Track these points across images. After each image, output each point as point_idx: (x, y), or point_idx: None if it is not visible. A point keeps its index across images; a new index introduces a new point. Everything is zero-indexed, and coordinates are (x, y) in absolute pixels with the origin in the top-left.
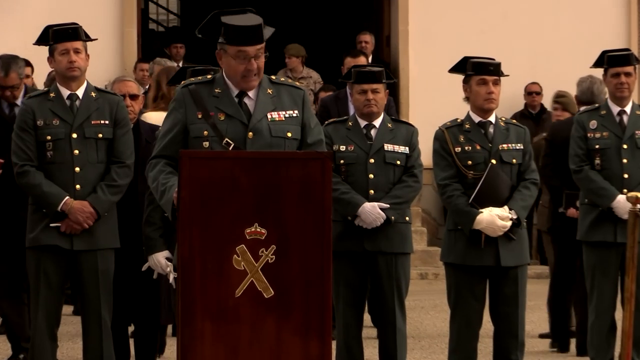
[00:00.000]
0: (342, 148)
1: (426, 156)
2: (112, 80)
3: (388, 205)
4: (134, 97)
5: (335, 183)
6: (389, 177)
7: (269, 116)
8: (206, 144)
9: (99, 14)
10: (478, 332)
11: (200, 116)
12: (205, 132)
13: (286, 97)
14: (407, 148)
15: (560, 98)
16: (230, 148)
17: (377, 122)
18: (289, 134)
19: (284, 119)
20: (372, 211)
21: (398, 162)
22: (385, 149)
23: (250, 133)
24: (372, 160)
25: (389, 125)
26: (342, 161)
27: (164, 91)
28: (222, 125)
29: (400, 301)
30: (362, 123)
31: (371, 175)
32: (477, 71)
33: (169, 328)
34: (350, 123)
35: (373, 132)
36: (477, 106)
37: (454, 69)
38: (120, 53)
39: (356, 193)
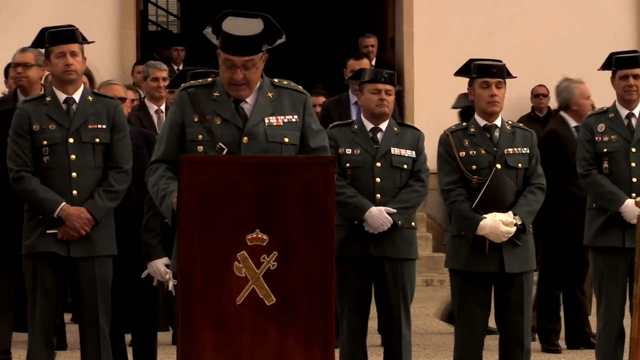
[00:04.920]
0: (348, 151)
1: (431, 160)
2: (98, 85)
3: (395, 210)
4: (121, 100)
5: (341, 187)
6: (396, 181)
7: (266, 121)
8: (200, 148)
9: (97, 15)
10: (483, 339)
11: (196, 119)
12: (200, 136)
13: (287, 101)
14: (413, 152)
15: None
16: (224, 153)
17: (383, 126)
18: (286, 139)
19: (282, 124)
20: (379, 215)
21: (405, 166)
22: (392, 152)
23: (245, 138)
24: (378, 164)
25: (395, 129)
26: (347, 164)
27: None
28: (218, 130)
29: (405, 308)
30: (369, 126)
31: (378, 179)
32: (480, 74)
33: (169, 336)
34: (355, 126)
35: (379, 135)
36: (480, 109)
37: (460, 72)
38: (119, 55)
39: (362, 197)
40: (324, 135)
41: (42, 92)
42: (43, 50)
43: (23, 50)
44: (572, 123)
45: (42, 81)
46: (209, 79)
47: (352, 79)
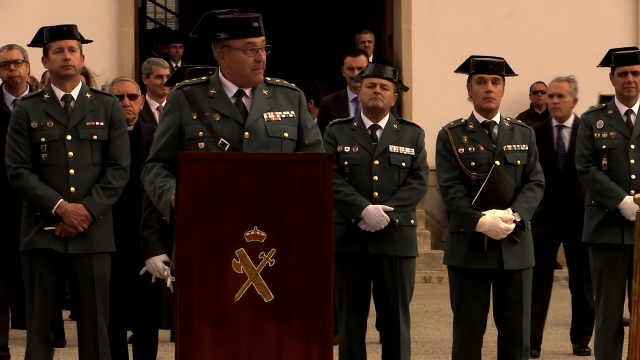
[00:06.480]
0: (347, 149)
1: (429, 157)
2: (110, 81)
3: (392, 208)
4: (133, 97)
5: (339, 185)
6: (394, 179)
7: (265, 116)
8: (201, 144)
9: (95, 13)
10: (482, 337)
11: (195, 117)
12: (201, 133)
13: (282, 98)
14: (412, 150)
15: None
16: (226, 148)
17: (382, 123)
18: (286, 134)
19: (280, 119)
20: (376, 213)
21: (403, 164)
22: (391, 150)
23: (247, 133)
24: (376, 162)
25: (395, 126)
26: (346, 162)
27: None
28: (218, 126)
29: (404, 306)
30: (368, 124)
31: (375, 177)
32: (477, 70)
33: (168, 333)
34: (355, 123)
35: (378, 133)
36: (477, 105)
37: (460, 69)
38: (118, 53)
39: (360, 195)
40: (317, 130)
41: (27, 88)
42: (26, 47)
43: (10, 47)
44: (554, 122)
45: (31, 80)
46: (203, 78)
47: (357, 77)
